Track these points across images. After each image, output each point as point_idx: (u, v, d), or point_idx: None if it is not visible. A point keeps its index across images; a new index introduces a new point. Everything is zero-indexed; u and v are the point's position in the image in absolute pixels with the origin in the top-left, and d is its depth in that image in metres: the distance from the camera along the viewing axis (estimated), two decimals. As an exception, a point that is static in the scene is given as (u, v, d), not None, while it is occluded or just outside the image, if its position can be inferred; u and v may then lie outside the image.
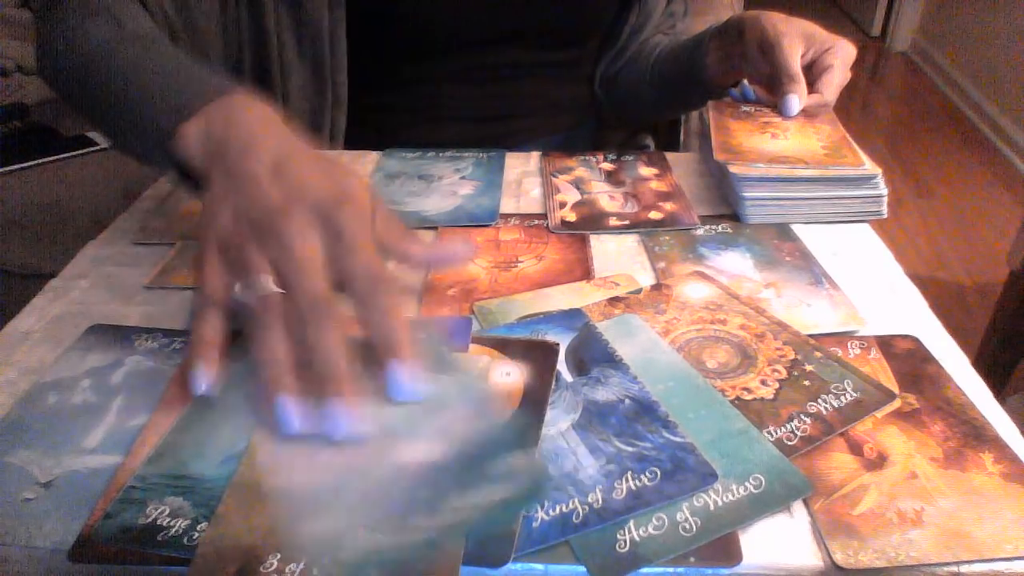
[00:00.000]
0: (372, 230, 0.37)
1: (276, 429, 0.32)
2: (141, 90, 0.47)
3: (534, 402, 0.38)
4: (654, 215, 0.59)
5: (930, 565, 0.31)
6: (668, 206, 0.60)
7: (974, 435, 0.37)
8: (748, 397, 0.39)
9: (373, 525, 0.30)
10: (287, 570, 0.30)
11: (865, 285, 0.50)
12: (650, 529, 0.32)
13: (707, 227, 0.57)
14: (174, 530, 0.32)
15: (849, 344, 0.44)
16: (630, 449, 0.35)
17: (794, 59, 0.65)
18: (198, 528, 0.32)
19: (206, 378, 0.34)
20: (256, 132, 0.40)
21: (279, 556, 0.30)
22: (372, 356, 0.33)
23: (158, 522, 0.32)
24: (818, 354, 0.42)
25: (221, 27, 0.65)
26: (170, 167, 0.44)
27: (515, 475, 0.32)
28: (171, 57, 0.49)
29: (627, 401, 0.38)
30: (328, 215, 0.36)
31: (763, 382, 0.40)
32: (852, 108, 2.97)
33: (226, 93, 0.43)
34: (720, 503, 0.33)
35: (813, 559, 0.31)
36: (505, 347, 0.42)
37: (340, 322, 0.33)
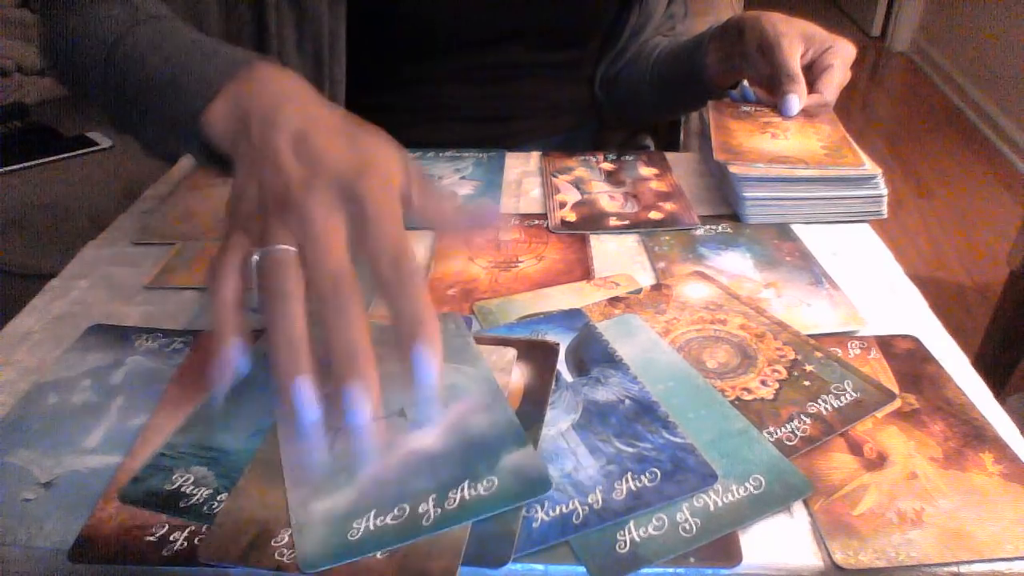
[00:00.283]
0: (402, 198, 0.36)
1: (293, 413, 0.32)
2: (162, 73, 0.46)
3: (534, 402, 0.38)
4: (654, 215, 0.59)
5: (930, 565, 0.31)
6: (668, 206, 0.60)
7: (974, 435, 0.37)
8: (748, 397, 0.39)
9: (382, 508, 0.31)
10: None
11: (865, 285, 0.50)
12: (650, 529, 0.32)
13: (707, 227, 0.57)
14: (196, 498, 0.33)
15: (849, 344, 0.44)
16: (630, 450, 0.35)
17: (794, 59, 0.65)
18: (219, 498, 0.33)
19: (235, 358, 0.33)
20: (278, 103, 0.39)
21: (291, 531, 0.31)
22: (392, 338, 0.33)
23: (182, 489, 0.33)
24: (818, 354, 0.42)
25: (223, 27, 0.65)
26: (196, 149, 0.43)
27: (520, 471, 0.33)
28: (189, 36, 0.48)
29: (627, 401, 0.38)
30: (351, 188, 0.34)
31: (763, 382, 0.40)
32: (852, 108, 2.97)
33: (249, 66, 0.42)
34: (720, 503, 0.33)
35: (813, 559, 0.31)
36: (505, 347, 0.42)
37: (361, 301, 0.32)
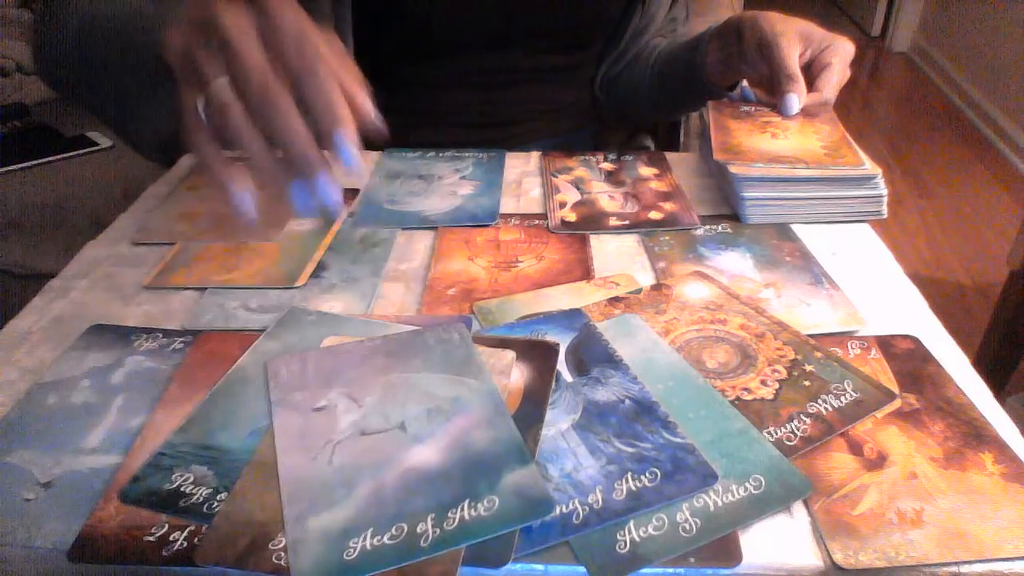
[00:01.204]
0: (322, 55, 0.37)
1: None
2: (130, 27, 0.49)
3: (534, 402, 0.38)
4: (654, 215, 0.59)
5: (930, 565, 0.31)
6: (668, 206, 0.60)
7: (974, 435, 0.37)
8: (748, 397, 0.39)
9: (379, 527, 0.31)
10: None
11: (865, 285, 0.50)
12: (650, 529, 0.32)
13: (707, 227, 0.57)
14: (195, 497, 0.33)
15: (849, 344, 0.44)
16: (630, 450, 0.35)
17: (792, 58, 0.64)
18: (218, 498, 0.33)
19: (246, 190, 0.37)
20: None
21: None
22: (397, 348, 0.33)
23: (182, 489, 0.33)
24: (818, 354, 0.42)
25: None
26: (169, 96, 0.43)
27: (522, 491, 0.32)
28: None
29: (627, 401, 0.38)
30: (262, 7, 0.36)
31: (763, 382, 0.40)
32: (852, 108, 2.97)
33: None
34: (720, 503, 0.33)
35: (813, 559, 0.31)
36: (505, 347, 0.42)
37: (288, 94, 0.34)
